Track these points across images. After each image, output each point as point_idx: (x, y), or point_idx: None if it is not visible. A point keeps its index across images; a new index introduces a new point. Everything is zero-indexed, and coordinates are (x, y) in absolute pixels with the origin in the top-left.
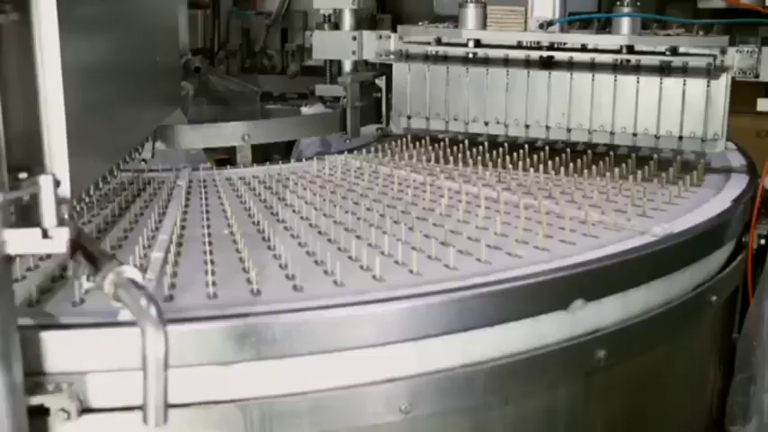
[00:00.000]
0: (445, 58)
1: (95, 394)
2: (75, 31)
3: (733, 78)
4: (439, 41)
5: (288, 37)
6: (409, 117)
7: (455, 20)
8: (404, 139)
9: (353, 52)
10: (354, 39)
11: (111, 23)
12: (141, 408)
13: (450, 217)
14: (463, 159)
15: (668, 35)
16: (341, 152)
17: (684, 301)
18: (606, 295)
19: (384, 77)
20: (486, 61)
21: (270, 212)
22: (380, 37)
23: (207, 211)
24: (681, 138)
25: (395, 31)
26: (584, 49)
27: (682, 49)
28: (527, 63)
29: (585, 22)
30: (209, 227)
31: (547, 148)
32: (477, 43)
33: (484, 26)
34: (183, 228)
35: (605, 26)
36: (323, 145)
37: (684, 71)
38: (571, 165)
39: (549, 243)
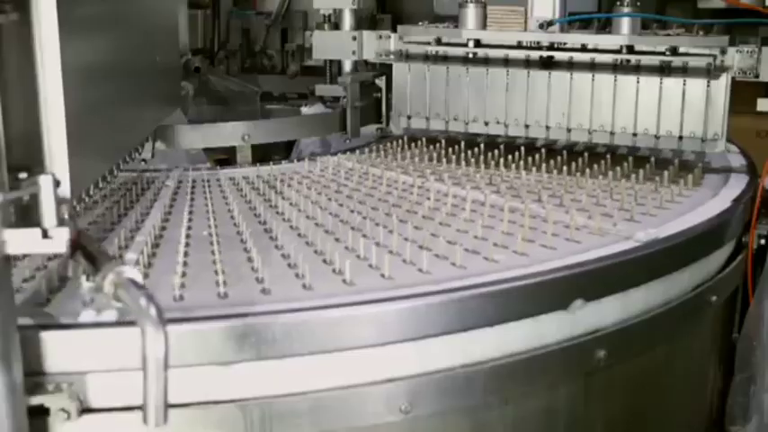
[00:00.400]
0: (445, 58)
1: (95, 394)
2: (76, 32)
3: (733, 78)
4: (439, 41)
5: (288, 37)
6: (409, 117)
7: (455, 20)
8: (402, 140)
9: (353, 52)
10: (354, 39)
11: (111, 24)
12: (141, 408)
13: (433, 220)
14: (457, 161)
15: (668, 35)
16: (334, 153)
17: (684, 301)
18: (606, 295)
19: (384, 77)
20: (486, 61)
21: (253, 214)
22: (380, 37)
23: (191, 212)
24: (681, 138)
25: (395, 31)
26: (584, 49)
27: (682, 50)
28: (527, 63)
29: (585, 22)
30: (189, 228)
31: (543, 150)
32: (477, 43)
33: (484, 26)
34: (163, 228)
35: (605, 26)
36: (323, 145)
37: (684, 71)
38: (565, 167)
39: (529, 247)
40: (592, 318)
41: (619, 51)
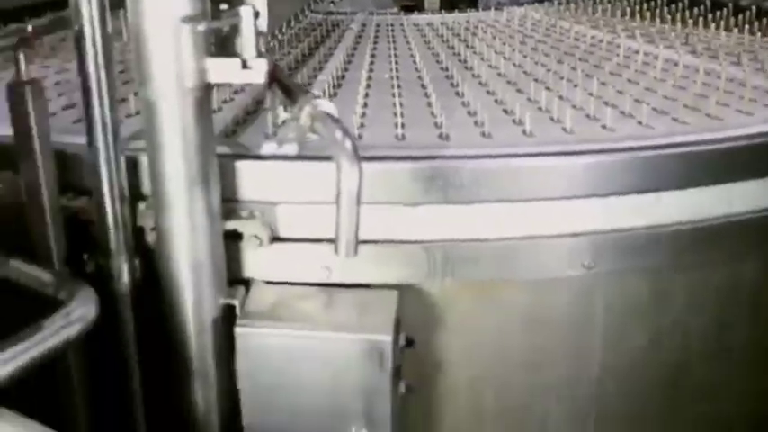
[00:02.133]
0: None
1: (285, 224)
2: None
3: None
4: None
5: None
6: None
7: None
8: None
9: None
10: None
11: None
12: (329, 240)
13: (620, 77)
14: (652, 17)
15: None
16: (522, 3)
17: None
18: None
19: None
20: None
21: (435, 60)
22: None
23: (373, 56)
24: None
25: None
26: None
27: None
28: None
29: None
30: (371, 71)
31: (754, 9)
32: None
33: None
34: (345, 70)
35: None
36: None
37: None
38: None
39: (723, 111)
40: None
41: None
